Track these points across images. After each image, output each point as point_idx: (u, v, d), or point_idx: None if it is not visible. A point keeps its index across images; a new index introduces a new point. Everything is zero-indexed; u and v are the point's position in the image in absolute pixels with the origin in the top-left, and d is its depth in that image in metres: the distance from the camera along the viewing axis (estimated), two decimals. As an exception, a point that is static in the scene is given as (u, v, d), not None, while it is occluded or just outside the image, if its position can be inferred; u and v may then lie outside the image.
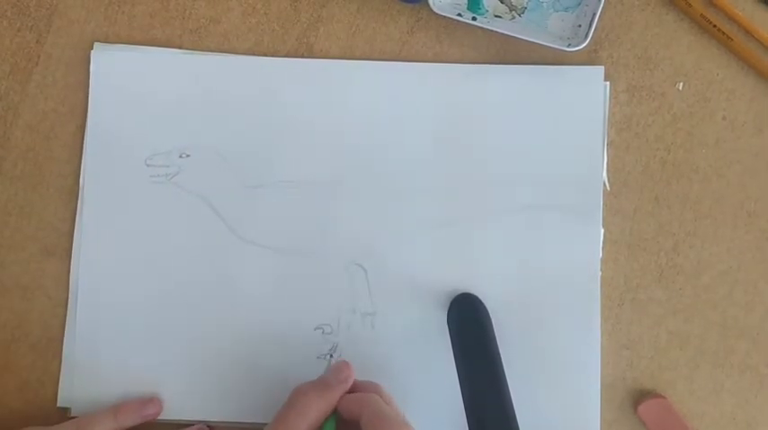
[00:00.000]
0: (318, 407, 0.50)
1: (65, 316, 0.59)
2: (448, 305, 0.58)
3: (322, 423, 0.50)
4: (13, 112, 0.60)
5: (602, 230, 0.59)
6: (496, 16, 0.60)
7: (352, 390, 0.51)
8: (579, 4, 0.59)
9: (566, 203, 0.59)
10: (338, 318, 0.58)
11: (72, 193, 0.60)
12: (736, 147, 0.59)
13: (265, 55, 0.60)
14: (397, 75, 0.60)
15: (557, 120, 0.59)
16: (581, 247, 0.58)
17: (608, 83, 0.59)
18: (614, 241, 0.59)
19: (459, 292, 0.58)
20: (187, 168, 0.59)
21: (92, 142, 0.60)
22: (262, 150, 0.59)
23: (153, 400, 0.57)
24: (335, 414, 0.50)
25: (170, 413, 0.58)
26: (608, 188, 0.59)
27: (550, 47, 0.57)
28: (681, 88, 0.59)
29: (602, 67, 0.59)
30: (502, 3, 0.59)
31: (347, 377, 0.51)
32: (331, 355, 0.56)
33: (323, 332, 0.58)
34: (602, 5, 0.57)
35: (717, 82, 0.59)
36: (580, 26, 0.58)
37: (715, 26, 0.58)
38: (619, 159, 0.59)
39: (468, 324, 0.56)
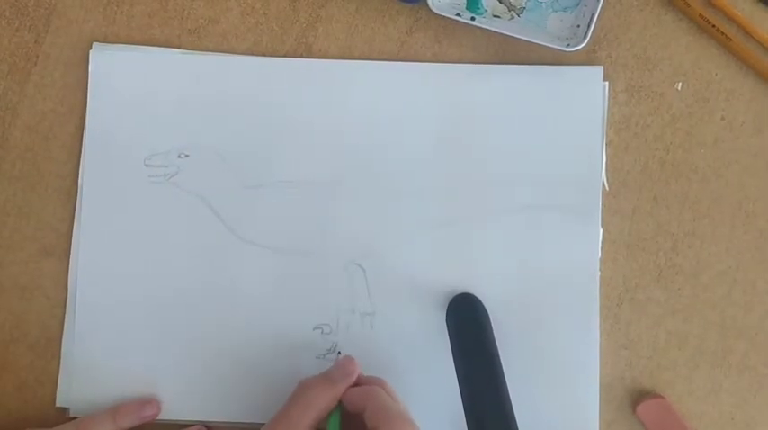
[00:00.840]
0: (324, 400, 0.50)
1: (63, 316, 0.59)
2: (447, 305, 0.58)
3: (327, 416, 0.50)
4: (11, 113, 0.60)
5: (601, 230, 0.59)
6: (495, 16, 0.60)
7: (356, 385, 0.52)
8: (578, 4, 0.59)
9: (565, 203, 0.59)
10: (337, 318, 0.58)
11: (71, 194, 0.60)
12: (735, 147, 0.59)
13: (264, 55, 0.60)
14: (396, 75, 0.60)
15: (555, 120, 0.59)
16: (580, 247, 0.58)
17: (607, 83, 0.59)
18: (613, 241, 0.59)
19: (458, 292, 0.58)
20: (186, 168, 0.59)
21: (90, 142, 0.60)
22: (261, 150, 0.59)
23: (151, 402, 0.57)
24: (340, 407, 0.51)
25: (169, 413, 0.58)
26: (607, 188, 0.59)
27: (549, 47, 0.57)
28: (680, 88, 0.59)
29: (601, 67, 0.59)
30: (501, 3, 0.59)
31: (352, 372, 0.51)
32: (339, 352, 0.56)
33: (322, 332, 0.58)
34: (600, 5, 0.57)
35: (716, 82, 0.59)
36: (579, 26, 0.58)
37: (714, 26, 0.58)
38: (618, 159, 0.59)
39: (467, 324, 0.56)
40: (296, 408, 0.50)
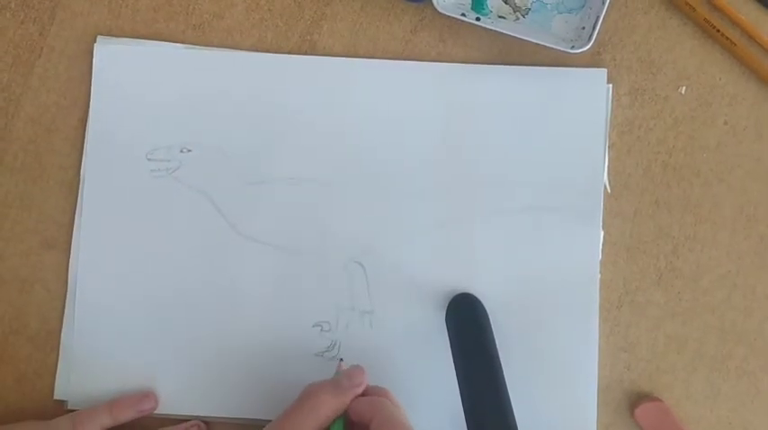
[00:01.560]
0: (330, 407, 0.50)
1: (63, 308, 0.59)
2: (446, 305, 0.58)
3: (331, 422, 0.50)
4: (15, 104, 0.60)
5: (602, 232, 0.59)
6: (500, 17, 0.60)
7: (361, 394, 0.51)
8: (583, 6, 0.59)
9: (566, 205, 0.59)
10: (336, 316, 0.58)
11: (72, 186, 0.60)
12: (737, 151, 0.59)
13: (268, 51, 0.60)
14: (399, 73, 0.60)
15: (558, 121, 0.59)
16: (580, 249, 0.58)
17: (610, 85, 0.59)
18: (614, 243, 0.59)
19: (458, 292, 0.58)
20: (188, 163, 0.59)
21: (93, 135, 0.60)
22: (263, 147, 0.59)
23: (149, 395, 0.57)
24: (344, 416, 0.50)
25: (166, 408, 0.58)
26: (608, 190, 0.59)
27: (554, 48, 0.57)
28: (683, 92, 0.59)
29: (605, 70, 0.59)
30: (506, 3, 0.60)
31: (361, 382, 0.51)
32: (341, 359, 0.56)
33: (321, 329, 0.58)
34: (605, 8, 0.57)
35: (719, 86, 0.59)
36: (584, 28, 0.58)
37: (718, 30, 0.58)
38: (620, 162, 0.59)
39: (467, 324, 0.56)
40: (300, 413, 0.50)
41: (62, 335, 0.59)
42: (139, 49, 0.60)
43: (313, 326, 0.59)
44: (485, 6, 0.60)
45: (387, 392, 0.52)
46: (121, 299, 0.59)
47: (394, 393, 0.52)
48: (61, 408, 0.58)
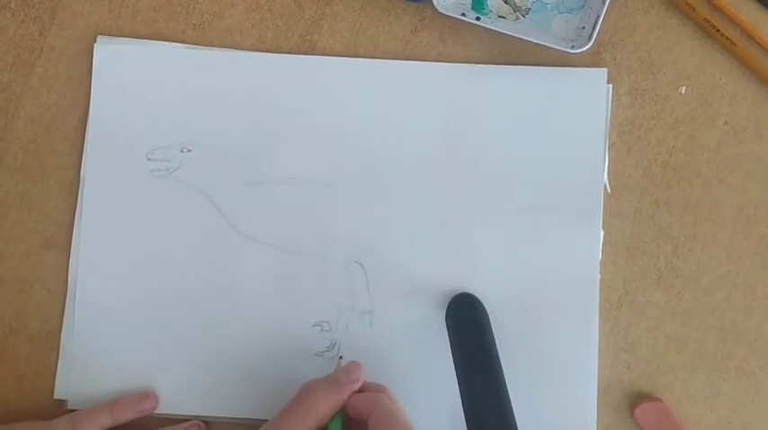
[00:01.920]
0: (328, 404, 0.50)
1: (63, 308, 0.59)
2: (446, 305, 0.58)
3: (329, 419, 0.50)
4: (15, 104, 0.60)
5: (602, 232, 0.59)
6: (500, 17, 0.60)
7: (360, 391, 0.51)
8: (583, 6, 0.59)
9: (566, 205, 0.59)
10: (336, 316, 0.58)
11: (72, 186, 0.60)
12: (738, 151, 0.59)
13: (268, 51, 0.60)
14: (399, 73, 0.60)
15: (559, 121, 0.59)
16: (580, 249, 0.58)
17: (611, 85, 0.59)
18: (614, 243, 0.59)
19: (458, 292, 0.58)
20: (188, 163, 0.59)
21: (93, 135, 0.60)
22: (263, 147, 0.59)
23: (149, 395, 0.57)
24: (342, 412, 0.50)
25: (166, 408, 0.58)
26: (608, 190, 0.59)
27: (554, 48, 0.57)
28: (683, 92, 0.59)
29: (606, 70, 0.59)
30: (506, 3, 0.60)
31: (358, 378, 0.51)
32: (341, 357, 0.56)
33: (321, 329, 0.58)
34: (605, 8, 0.57)
35: (719, 86, 0.59)
36: (584, 28, 0.58)
37: (718, 30, 0.58)
38: (620, 162, 0.59)
39: (467, 324, 0.56)
40: (298, 411, 0.50)
41: (62, 335, 0.59)
42: (139, 49, 0.60)
43: (313, 326, 0.59)
44: (485, 6, 0.60)
45: (385, 389, 0.52)
46: (121, 299, 0.59)
47: (394, 393, 0.52)
48: (61, 408, 0.58)
